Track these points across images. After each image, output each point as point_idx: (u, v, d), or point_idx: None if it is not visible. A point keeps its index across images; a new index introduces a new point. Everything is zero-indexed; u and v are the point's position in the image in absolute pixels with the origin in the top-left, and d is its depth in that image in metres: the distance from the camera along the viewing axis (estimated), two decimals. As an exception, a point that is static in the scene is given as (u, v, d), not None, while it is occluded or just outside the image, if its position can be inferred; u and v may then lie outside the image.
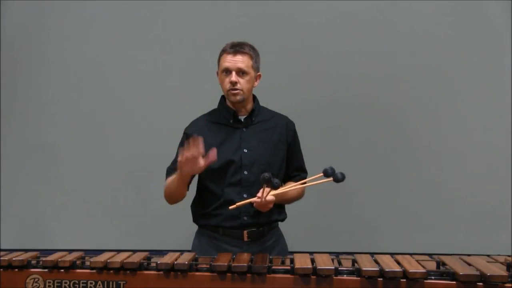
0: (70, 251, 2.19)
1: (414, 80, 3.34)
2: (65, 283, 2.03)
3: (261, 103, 2.51)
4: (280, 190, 2.30)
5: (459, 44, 3.33)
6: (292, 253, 2.26)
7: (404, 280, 1.90)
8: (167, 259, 2.05)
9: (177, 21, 3.42)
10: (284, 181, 2.45)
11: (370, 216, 3.36)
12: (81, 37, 3.43)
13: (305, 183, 2.37)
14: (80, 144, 3.43)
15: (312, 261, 2.02)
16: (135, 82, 3.43)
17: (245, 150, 2.39)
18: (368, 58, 3.35)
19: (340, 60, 3.36)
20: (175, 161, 2.34)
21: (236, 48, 2.37)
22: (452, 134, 3.34)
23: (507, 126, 3.28)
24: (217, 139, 2.39)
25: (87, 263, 2.06)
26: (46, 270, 2.05)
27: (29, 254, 2.14)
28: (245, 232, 2.38)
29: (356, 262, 2.03)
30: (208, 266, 2.01)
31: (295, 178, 2.48)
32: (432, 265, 2.02)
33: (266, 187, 2.20)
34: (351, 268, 1.99)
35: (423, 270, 1.91)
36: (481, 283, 1.87)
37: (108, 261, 2.02)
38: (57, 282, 2.03)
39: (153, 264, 2.05)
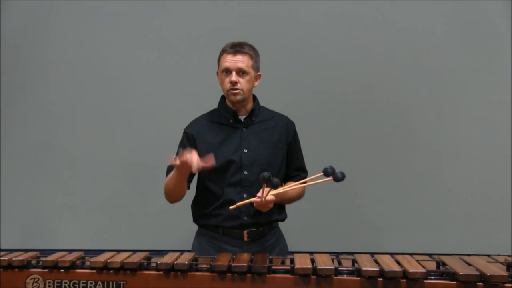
0: (70, 251, 2.19)
1: (414, 80, 3.34)
2: (65, 283, 2.03)
3: (261, 103, 2.51)
4: (280, 189, 2.30)
5: (459, 44, 3.33)
6: (292, 253, 2.26)
7: (404, 280, 1.90)
8: (167, 259, 2.05)
9: (177, 21, 3.41)
10: (284, 181, 2.45)
11: (370, 216, 3.35)
12: (81, 37, 3.43)
13: (305, 182, 2.37)
14: (80, 144, 3.42)
15: (312, 261, 2.02)
16: (135, 82, 3.42)
17: (245, 150, 2.39)
18: (368, 58, 3.35)
19: (340, 60, 3.36)
20: (175, 161, 2.35)
21: (236, 48, 2.37)
22: (452, 133, 3.33)
23: (507, 126, 3.28)
24: (217, 139, 2.40)
25: (87, 263, 2.07)
26: (46, 270, 2.05)
27: (29, 254, 2.13)
28: (245, 232, 2.38)
29: (356, 262, 2.03)
30: (208, 266, 2.01)
31: (295, 178, 2.47)
32: (432, 265, 2.02)
33: (266, 186, 2.19)
34: (351, 268, 1.99)
35: (423, 270, 1.91)
36: (481, 283, 1.87)
37: (108, 261, 2.02)
38: (57, 282, 2.03)
39: (153, 264, 2.05)
